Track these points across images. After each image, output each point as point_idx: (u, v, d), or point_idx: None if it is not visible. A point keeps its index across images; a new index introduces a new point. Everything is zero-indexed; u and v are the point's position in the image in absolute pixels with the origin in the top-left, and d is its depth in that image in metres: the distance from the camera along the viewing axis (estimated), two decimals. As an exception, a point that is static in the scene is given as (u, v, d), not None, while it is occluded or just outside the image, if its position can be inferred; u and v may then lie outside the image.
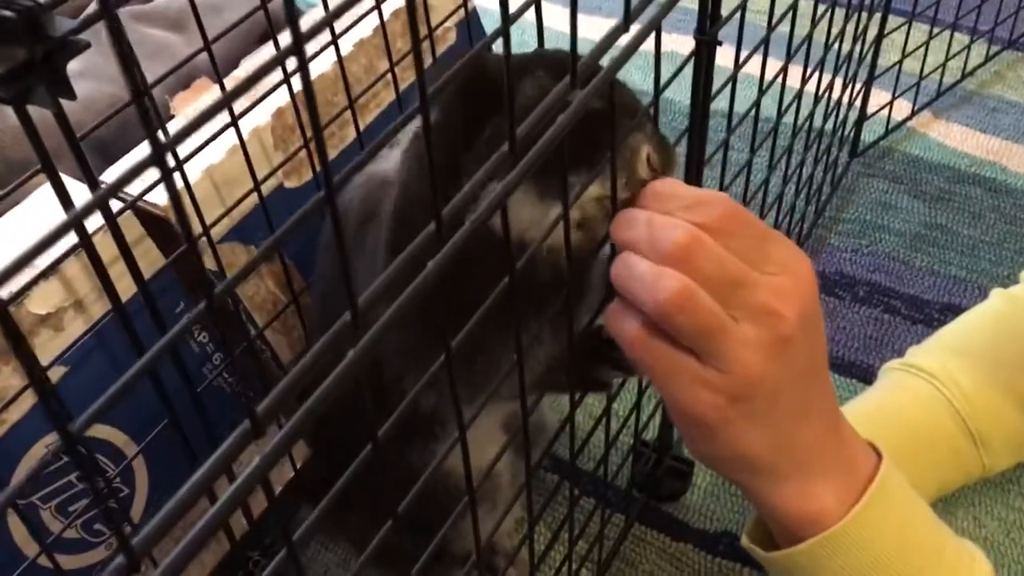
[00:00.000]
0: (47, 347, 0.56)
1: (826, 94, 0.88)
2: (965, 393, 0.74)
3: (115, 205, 0.58)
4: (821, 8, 0.77)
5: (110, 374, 0.58)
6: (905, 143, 1.19)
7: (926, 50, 1.17)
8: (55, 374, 0.56)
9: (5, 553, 0.56)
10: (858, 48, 0.98)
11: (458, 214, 0.29)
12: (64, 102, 0.35)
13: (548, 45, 0.60)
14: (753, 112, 0.69)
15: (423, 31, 0.79)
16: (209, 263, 0.64)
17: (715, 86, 0.58)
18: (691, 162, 0.59)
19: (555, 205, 0.46)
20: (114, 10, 0.23)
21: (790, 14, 0.67)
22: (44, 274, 0.54)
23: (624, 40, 0.37)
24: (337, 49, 0.69)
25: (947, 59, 1.22)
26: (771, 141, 0.79)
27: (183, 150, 0.59)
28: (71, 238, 0.52)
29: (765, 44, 0.64)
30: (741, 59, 0.62)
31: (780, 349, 0.43)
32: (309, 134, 0.69)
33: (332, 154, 0.74)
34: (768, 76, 0.69)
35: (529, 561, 0.54)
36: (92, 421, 0.21)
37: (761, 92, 0.69)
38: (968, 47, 1.25)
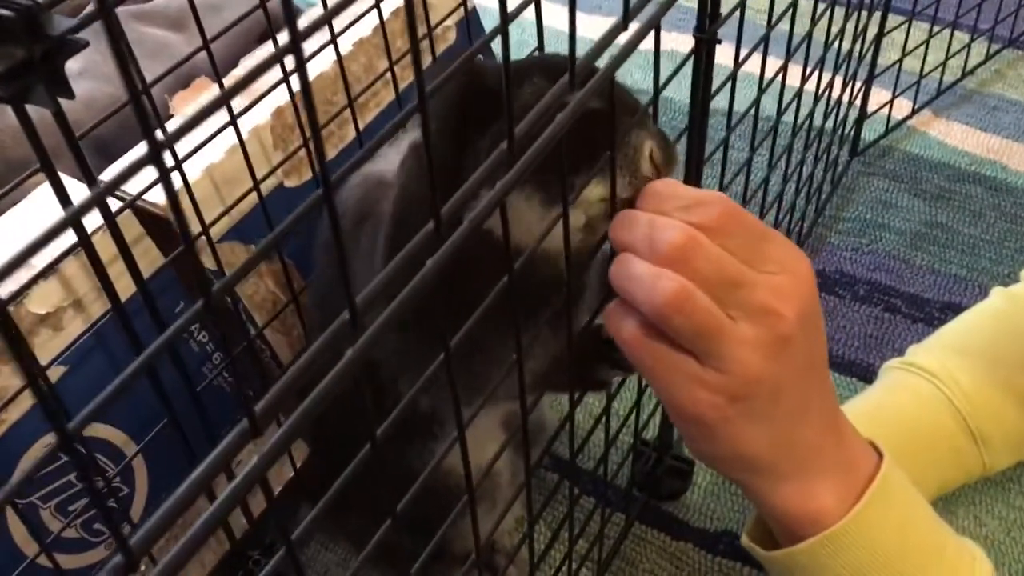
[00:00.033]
0: (46, 347, 0.56)
1: (826, 93, 0.88)
2: (965, 392, 0.74)
3: (114, 204, 0.58)
4: (821, 6, 0.77)
5: (109, 374, 0.58)
6: (905, 142, 1.19)
7: (926, 49, 1.17)
8: (54, 374, 0.56)
9: (5, 553, 0.56)
10: (858, 47, 0.98)
11: (457, 213, 0.29)
12: (64, 101, 0.35)
13: (547, 44, 0.60)
14: (753, 111, 0.69)
15: (423, 30, 0.79)
16: (209, 262, 0.64)
17: (715, 85, 0.58)
18: (691, 161, 0.59)
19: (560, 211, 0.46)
20: (111, 9, 0.23)
21: (790, 12, 0.67)
22: (43, 273, 0.54)
23: (623, 39, 0.37)
24: (336, 48, 0.69)
25: (947, 58, 1.22)
26: (771, 140, 0.79)
27: (182, 149, 0.59)
28: (70, 237, 0.52)
29: (765, 42, 0.64)
30: (741, 57, 0.62)
31: (779, 348, 0.43)
32: (308, 133, 0.69)
33: (332, 153, 0.74)
34: (768, 75, 0.69)
35: (529, 560, 0.54)
36: (89, 420, 0.21)
37: (761, 91, 0.69)
38: (968, 46, 1.25)
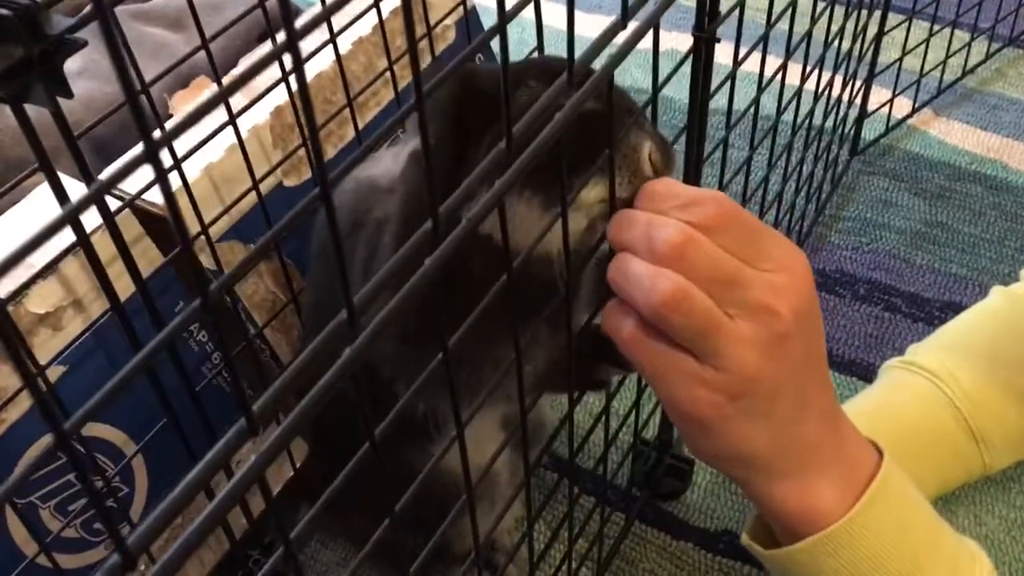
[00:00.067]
0: (46, 346, 0.56)
1: (826, 91, 0.88)
2: (965, 391, 0.74)
3: (114, 204, 0.58)
4: (821, 5, 0.77)
5: (109, 373, 0.58)
6: (905, 141, 1.19)
7: (926, 47, 1.17)
8: (54, 373, 0.56)
9: (5, 553, 0.56)
10: (858, 45, 0.98)
11: (455, 213, 0.29)
12: (63, 101, 0.35)
13: (547, 43, 0.60)
14: (752, 110, 0.69)
15: (422, 29, 0.79)
16: (208, 262, 0.64)
17: (714, 84, 0.58)
18: (690, 160, 0.59)
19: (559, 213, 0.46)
20: (108, 9, 0.23)
21: (789, 11, 0.67)
22: (43, 273, 0.54)
23: (621, 38, 0.37)
24: (336, 47, 0.69)
25: (947, 56, 1.22)
26: (771, 139, 0.79)
27: (181, 148, 0.59)
28: (69, 236, 0.52)
29: (764, 41, 0.64)
30: (740, 56, 0.62)
31: (776, 346, 0.43)
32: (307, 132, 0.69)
33: (331, 153, 0.74)
34: (767, 73, 0.69)
35: (529, 559, 0.54)
36: (86, 419, 0.21)
37: (760, 89, 0.69)
38: (969, 44, 1.25)
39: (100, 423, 0.60)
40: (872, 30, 1.04)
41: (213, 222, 0.63)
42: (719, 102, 0.62)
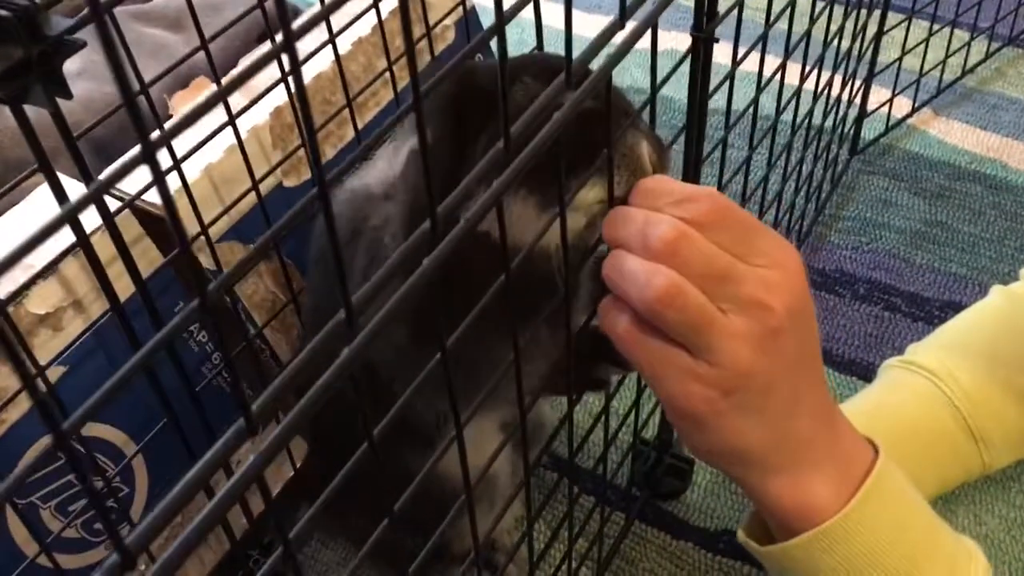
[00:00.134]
0: (46, 347, 0.56)
1: (825, 91, 0.88)
2: (965, 390, 0.74)
3: (114, 205, 0.58)
4: (820, 4, 0.77)
5: (109, 374, 0.58)
6: (905, 140, 1.19)
7: (926, 47, 1.17)
8: (54, 374, 0.56)
9: (5, 553, 0.56)
10: (858, 45, 0.98)
11: (454, 213, 0.29)
12: (62, 102, 0.35)
13: (547, 43, 0.60)
14: (752, 109, 0.69)
15: (421, 29, 0.79)
16: (208, 262, 0.64)
17: (713, 83, 0.58)
18: (689, 160, 0.59)
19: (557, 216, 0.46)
20: (104, 12, 0.23)
21: (788, 11, 0.67)
22: (43, 274, 0.55)
23: (620, 38, 0.37)
24: (335, 48, 0.69)
25: (947, 56, 1.22)
26: (770, 138, 0.79)
27: (181, 149, 0.59)
28: (69, 237, 0.52)
29: (763, 41, 0.64)
30: (739, 56, 0.62)
31: (769, 341, 0.43)
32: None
33: (331, 153, 0.74)
34: (766, 73, 0.69)
35: (529, 559, 0.54)
36: (85, 420, 0.21)
37: (759, 89, 0.69)
38: (968, 44, 1.25)
39: (100, 423, 0.60)
40: (871, 29, 1.04)
41: (213, 222, 0.63)
42: (718, 102, 0.62)
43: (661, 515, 0.81)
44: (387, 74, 0.76)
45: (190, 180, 0.61)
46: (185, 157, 0.59)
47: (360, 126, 0.74)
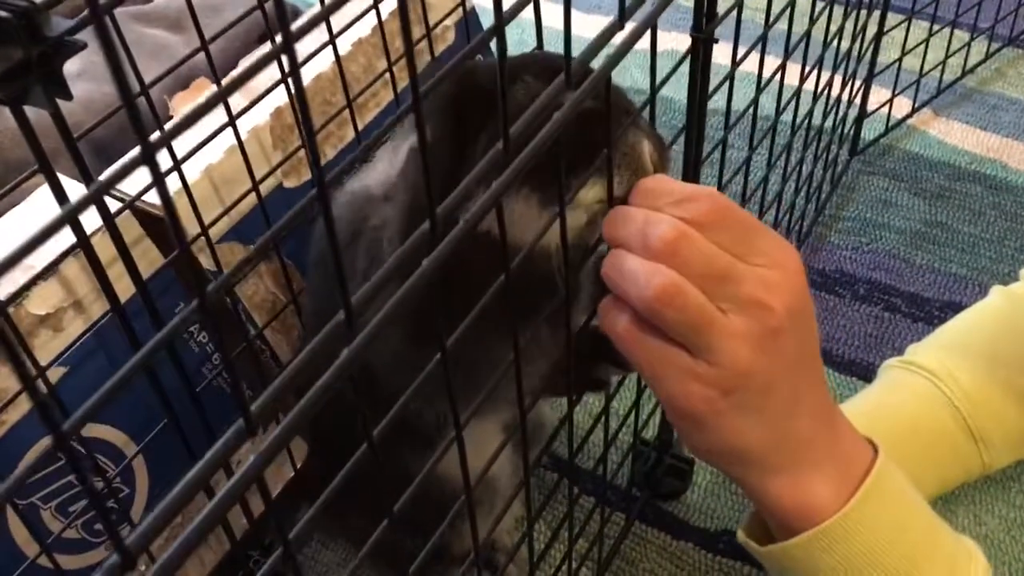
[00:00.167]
0: (47, 347, 0.56)
1: (825, 91, 0.88)
2: (965, 390, 0.74)
3: (114, 205, 0.58)
4: (819, 5, 0.77)
5: (109, 374, 0.58)
6: (905, 140, 1.19)
7: (926, 47, 1.17)
8: (55, 374, 0.56)
9: (5, 553, 0.56)
10: (857, 45, 0.98)
11: (453, 213, 0.29)
12: (62, 103, 0.35)
13: (547, 44, 0.60)
14: (751, 110, 0.69)
15: (422, 30, 0.79)
16: (208, 263, 0.64)
17: (713, 84, 0.58)
18: (689, 160, 0.59)
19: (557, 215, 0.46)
20: (104, 13, 0.23)
21: (788, 11, 0.67)
22: (43, 274, 0.55)
23: (619, 38, 0.37)
24: (335, 48, 0.69)
25: (947, 56, 1.22)
26: (770, 139, 0.79)
27: (181, 149, 0.59)
28: (70, 238, 0.52)
29: (763, 41, 0.64)
30: (739, 57, 0.62)
31: (769, 341, 0.43)
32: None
33: (331, 154, 0.74)
34: (766, 74, 0.69)
35: (529, 559, 0.54)
36: (86, 420, 0.21)
37: (759, 89, 0.69)
38: (968, 44, 1.25)
39: (101, 424, 0.60)
40: (871, 30, 1.04)
41: (213, 223, 0.63)
42: (718, 102, 0.62)
43: (661, 515, 0.81)
44: (387, 75, 0.76)
45: (190, 181, 0.61)
46: (185, 158, 0.59)
47: (360, 127, 0.74)
